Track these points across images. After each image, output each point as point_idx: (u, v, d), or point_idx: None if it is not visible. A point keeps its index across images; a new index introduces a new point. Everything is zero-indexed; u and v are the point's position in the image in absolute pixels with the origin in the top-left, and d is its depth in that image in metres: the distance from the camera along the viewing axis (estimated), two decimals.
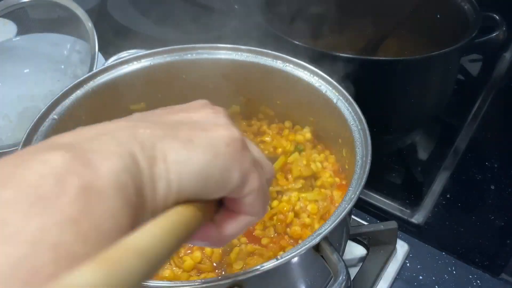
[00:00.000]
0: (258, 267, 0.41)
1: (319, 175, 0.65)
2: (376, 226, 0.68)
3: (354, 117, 0.58)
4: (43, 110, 0.58)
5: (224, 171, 0.29)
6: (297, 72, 0.65)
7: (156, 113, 0.33)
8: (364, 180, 0.49)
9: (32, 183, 0.22)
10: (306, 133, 0.69)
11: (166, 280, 0.52)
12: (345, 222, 0.54)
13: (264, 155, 0.37)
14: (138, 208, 0.25)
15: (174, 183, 0.27)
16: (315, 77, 0.63)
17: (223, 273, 0.54)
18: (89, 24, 0.83)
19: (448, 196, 0.82)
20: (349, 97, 0.59)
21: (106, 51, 0.86)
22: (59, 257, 0.20)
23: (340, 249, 0.56)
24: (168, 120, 0.31)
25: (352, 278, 0.64)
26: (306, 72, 0.64)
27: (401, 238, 0.72)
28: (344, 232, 0.56)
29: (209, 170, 0.28)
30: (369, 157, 0.52)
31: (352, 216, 0.74)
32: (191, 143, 0.28)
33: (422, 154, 0.92)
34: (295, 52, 0.66)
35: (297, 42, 0.73)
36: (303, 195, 0.61)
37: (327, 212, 0.60)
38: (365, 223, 0.74)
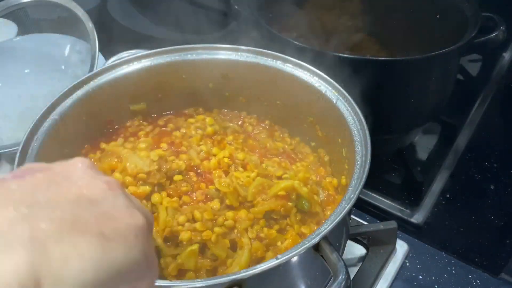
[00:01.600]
0: (258, 266, 0.41)
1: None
2: (376, 226, 0.68)
3: (354, 117, 0.58)
4: (43, 110, 0.58)
5: (140, 267, 0.29)
6: (297, 72, 0.65)
7: (39, 187, 0.28)
8: (363, 180, 0.49)
9: None
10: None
11: (165, 280, 0.52)
12: (344, 221, 0.55)
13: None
14: None
15: (89, 281, 0.25)
16: (315, 77, 0.63)
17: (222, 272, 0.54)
18: (89, 24, 0.83)
19: (447, 196, 0.82)
20: (349, 97, 0.59)
21: (107, 51, 0.86)
22: None
23: (339, 249, 0.56)
24: (61, 199, 0.28)
25: (351, 278, 0.64)
26: (306, 72, 0.64)
27: (400, 238, 0.72)
28: (343, 231, 0.56)
29: (127, 265, 0.28)
30: (369, 157, 0.52)
31: (352, 216, 0.74)
32: (103, 237, 0.27)
33: (422, 154, 0.92)
34: (295, 52, 0.66)
35: (297, 42, 0.73)
36: None
37: None
38: (365, 222, 0.74)
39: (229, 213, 0.55)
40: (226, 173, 0.60)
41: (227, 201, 0.57)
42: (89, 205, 0.28)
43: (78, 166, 0.31)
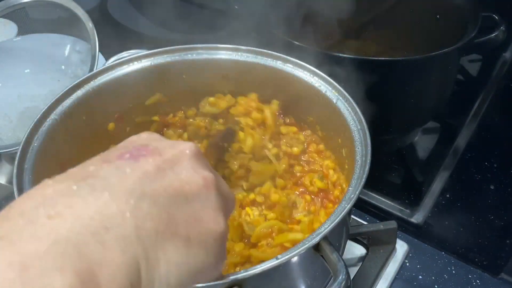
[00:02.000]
0: (258, 266, 0.41)
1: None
2: (376, 225, 0.68)
3: (354, 117, 0.58)
4: (43, 110, 0.58)
5: (211, 268, 0.30)
6: (297, 72, 0.65)
7: (148, 175, 0.28)
8: (363, 180, 0.49)
9: None
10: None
11: None
12: (344, 221, 0.55)
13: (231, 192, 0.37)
14: None
15: (172, 285, 0.27)
16: (315, 77, 0.64)
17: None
18: (89, 24, 0.83)
19: (447, 196, 0.82)
20: (349, 97, 0.59)
21: (107, 51, 0.86)
22: None
23: (340, 249, 0.56)
24: (160, 193, 0.28)
25: (352, 278, 0.64)
26: (306, 72, 0.64)
27: (400, 238, 0.72)
28: (344, 231, 0.56)
29: (202, 268, 0.29)
30: (369, 157, 0.52)
31: (352, 216, 0.74)
32: (189, 241, 0.28)
33: (422, 154, 0.92)
34: (295, 52, 0.66)
35: (297, 43, 0.73)
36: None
37: None
38: (365, 222, 0.74)
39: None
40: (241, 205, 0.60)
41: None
42: (183, 202, 0.28)
43: (186, 153, 0.31)
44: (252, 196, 0.61)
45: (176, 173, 0.29)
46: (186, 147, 0.31)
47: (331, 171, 0.63)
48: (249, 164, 0.62)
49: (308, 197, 0.61)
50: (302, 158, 0.67)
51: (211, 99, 0.71)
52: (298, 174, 0.65)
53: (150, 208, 0.26)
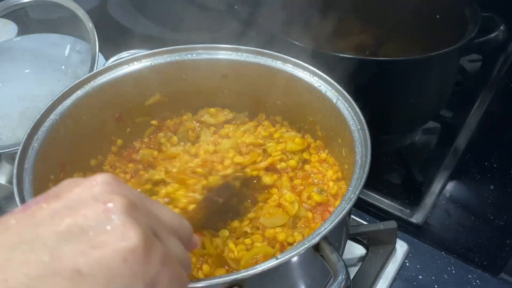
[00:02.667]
0: (258, 266, 0.41)
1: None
2: (376, 225, 0.68)
3: (354, 117, 0.58)
4: (43, 110, 0.58)
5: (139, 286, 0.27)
6: (297, 72, 0.65)
7: (38, 221, 0.28)
8: (363, 180, 0.49)
9: None
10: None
11: None
12: (344, 221, 0.55)
13: (177, 215, 0.35)
14: None
15: None
16: (315, 77, 0.64)
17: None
18: (89, 24, 0.83)
19: (447, 196, 0.82)
20: (349, 97, 0.59)
21: (107, 51, 0.86)
22: None
23: (339, 249, 0.56)
24: (49, 235, 0.27)
25: (351, 278, 0.64)
26: (306, 72, 0.64)
27: (400, 238, 0.72)
28: (343, 231, 0.56)
29: None
30: (369, 157, 0.52)
31: (352, 216, 0.74)
32: (78, 274, 0.26)
33: (422, 154, 0.92)
34: (295, 52, 0.66)
35: (297, 42, 0.73)
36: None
37: None
38: (365, 222, 0.74)
39: (205, 267, 0.54)
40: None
41: (208, 260, 0.55)
42: (78, 235, 0.27)
43: (93, 188, 0.30)
44: (246, 229, 0.58)
45: (75, 209, 0.29)
46: (95, 180, 0.31)
47: (331, 183, 0.63)
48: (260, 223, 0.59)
49: (310, 214, 0.60)
50: (304, 169, 0.66)
51: (212, 109, 0.72)
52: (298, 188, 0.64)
53: (27, 257, 0.25)
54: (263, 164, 0.64)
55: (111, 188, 0.31)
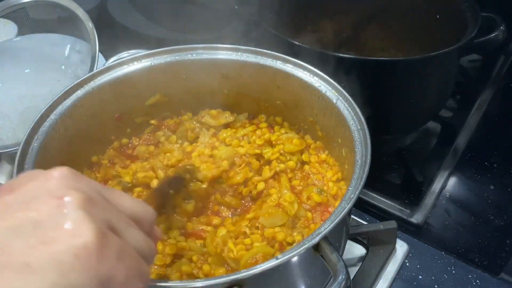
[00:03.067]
0: (258, 266, 0.41)
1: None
2: (376, 225, 0.68)
3: (354, 117, 0.58)
4: (43, 110, 0.58)
5: (92, 285, 0.27)
6: (297, 72, 0.65)
7: None
8: (363, 180, 0.49)
9: None
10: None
11: (165, 279, 0.52)
12: (344, 221, 0.55)
13: (138, 201, 0.35)
14: None
15: None
16: (315, 77, 0.64)
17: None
18: (89, 24, 0.83)
19: (447, 196, 0.82)
20: (349, 97, 0.59)
21: (107, 51, 0.86)
22: None
23: (339, 249, 0.56)
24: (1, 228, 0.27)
25: (351, 278, 0.64)
26: (306, 72, 0.64)
27: (400, 238, 0.72)
28: (343, 231, 0.56)
29: None
30: (369, 157, 0.52)
31: (352, 216, 0.74)
32: (28, 268, 0.25)
33: (422, 154, 0.92)
34: (295, 52, 0.66)
35: (297, 42, 0.73)
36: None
37: None
38: (365, 222, 0.74)
39: (206, 267, 0.54)
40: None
41: (209, 259, 0.55)
42: (29, 230, 0.27)
43: (49, 182, 0.30)
44: (245, 229, 0.58)
45: (25, 204, 0.28)
46: (52, 174, 0.30)
47: (330, 183, 0.63)
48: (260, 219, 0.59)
49: (309, 214, 0.60)
50: (304, 170, 0.67)
51: (213, 111, 0.72)
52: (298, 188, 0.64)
53: None
54: (259, 178, 0.65)
55: (67, 182, 0.30)
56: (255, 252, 0.54)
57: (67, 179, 0.30)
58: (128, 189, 0.63)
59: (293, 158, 0.66)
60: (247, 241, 0.56)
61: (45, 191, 0.29)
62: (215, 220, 0.60)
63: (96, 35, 0.83)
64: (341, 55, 0.71)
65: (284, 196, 0.61)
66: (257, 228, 0.58)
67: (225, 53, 0.68)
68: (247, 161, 0.65)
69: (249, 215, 0.59)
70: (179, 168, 0.63)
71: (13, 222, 0.27)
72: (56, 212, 0.28)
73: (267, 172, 0.65)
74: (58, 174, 0.30)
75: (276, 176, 0.65)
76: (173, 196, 0.57)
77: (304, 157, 0.67)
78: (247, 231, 0.57)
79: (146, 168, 0.65)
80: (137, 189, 0.63)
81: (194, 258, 0.55)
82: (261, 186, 0.63)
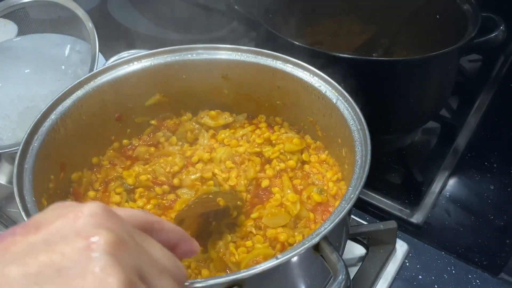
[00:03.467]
0: (258, 266, 0.41)
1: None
2: (376, 225, 0.68)
3: (354, 117, 0.58)
4: (43, 110, 0.58)
5: None
6: (297, 72, 0.65)
7: (12, 256, 0.26)
8: (363, 180, 0.49)
9: None
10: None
11: None
12: (344, 221, 0.55)
13: (171, 255, 0.32)
14: None
15: None
16: (315, 77, 0.64)
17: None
18: (89, 24, 0.83)
19: (447, 196, 0.82)
20: (349, 97, 0.59)
21: (107, 51, 0.86)
22: None
23: (339, 249, 0.56)
24: (16, 275, 0.25)
25: (351, 278, 0.64)
26: (306, 72, 0.64)
27: (400, 238, 0.72)
28: (343, 231, 0.56)
29: None
30: (369, 157, 0.52)
31: (352, 216, 0.74)
32: None
33: (422, 154, 0.92)
34: (295, 52, 0.66)
35: (296, 42, 0.73)
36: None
37: None
38: (365, 222, 0.74)
39: (205, 271, 0.54)
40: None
41: (210, 266, 0.55)
42: (50, 278, 0.25)
43: (78, 220, 0.28)
44: (251, 229, 0.58)
45: (50, 245, 0.26)
46: (82, 211, 0.28)
47: (330, 183, 0.63)
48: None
49: (311, 215, 0.60)
50: (304, 169, 0.67)
51: (212, 112, 0.72)
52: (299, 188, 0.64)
53: None
54: (263, 174, 0.65)
55: (99, 221, 0.28)
56: (256, 254, 0.54)
57: (98, 217, 0.28)
58: (130, 190, 0.63)
59: (293, 158, 0.66)
60: (249, 243, 0.56)
61: (72, 230, 0.27)
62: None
63: (96, 35, 0.83)
64: (341, 55, 0.71)
65: (287, 196, 0.61)
66: (260, 228, 0.58)
67: (225, 53, 0.68)
68: (247, 159, 0.65)
69: (254, 215, 0.59)
70: (228, 199, 0.59)
71: (33, 269, 0.25)
72: (82, 256, 0.26)
73: (269, 170, 0.65)
74: (89, 211, 0.28)
75: (277, 174, 0.65)
76: (212, 226, 0.56)
77: (304, 156, 0.67)
78: (253, 231, 0.57)
79: (148, 170, 0.64)
80: (139, 190, 0.63)
81: (192, 265, 0.55)
82: (265, 182, 0.64)
